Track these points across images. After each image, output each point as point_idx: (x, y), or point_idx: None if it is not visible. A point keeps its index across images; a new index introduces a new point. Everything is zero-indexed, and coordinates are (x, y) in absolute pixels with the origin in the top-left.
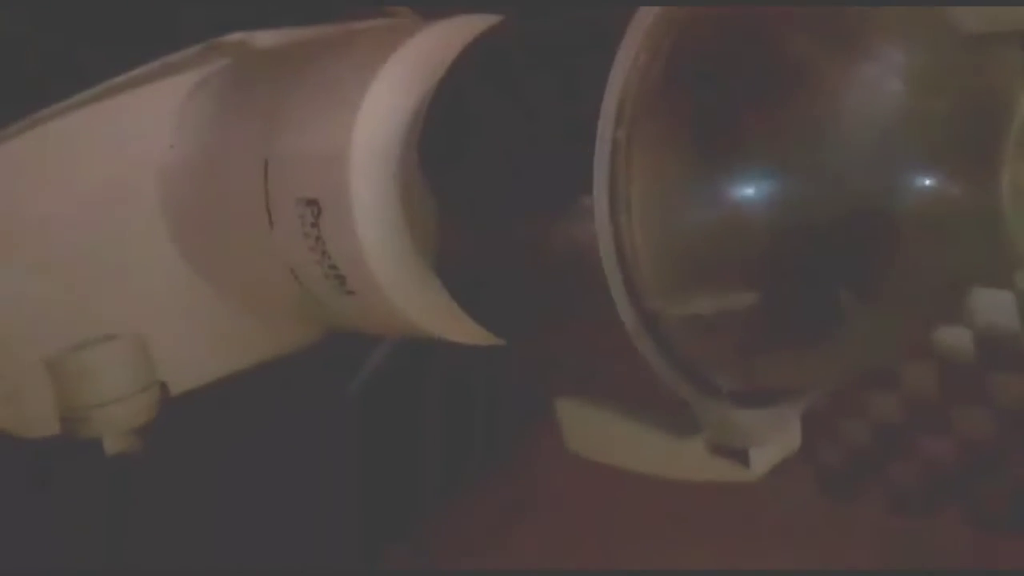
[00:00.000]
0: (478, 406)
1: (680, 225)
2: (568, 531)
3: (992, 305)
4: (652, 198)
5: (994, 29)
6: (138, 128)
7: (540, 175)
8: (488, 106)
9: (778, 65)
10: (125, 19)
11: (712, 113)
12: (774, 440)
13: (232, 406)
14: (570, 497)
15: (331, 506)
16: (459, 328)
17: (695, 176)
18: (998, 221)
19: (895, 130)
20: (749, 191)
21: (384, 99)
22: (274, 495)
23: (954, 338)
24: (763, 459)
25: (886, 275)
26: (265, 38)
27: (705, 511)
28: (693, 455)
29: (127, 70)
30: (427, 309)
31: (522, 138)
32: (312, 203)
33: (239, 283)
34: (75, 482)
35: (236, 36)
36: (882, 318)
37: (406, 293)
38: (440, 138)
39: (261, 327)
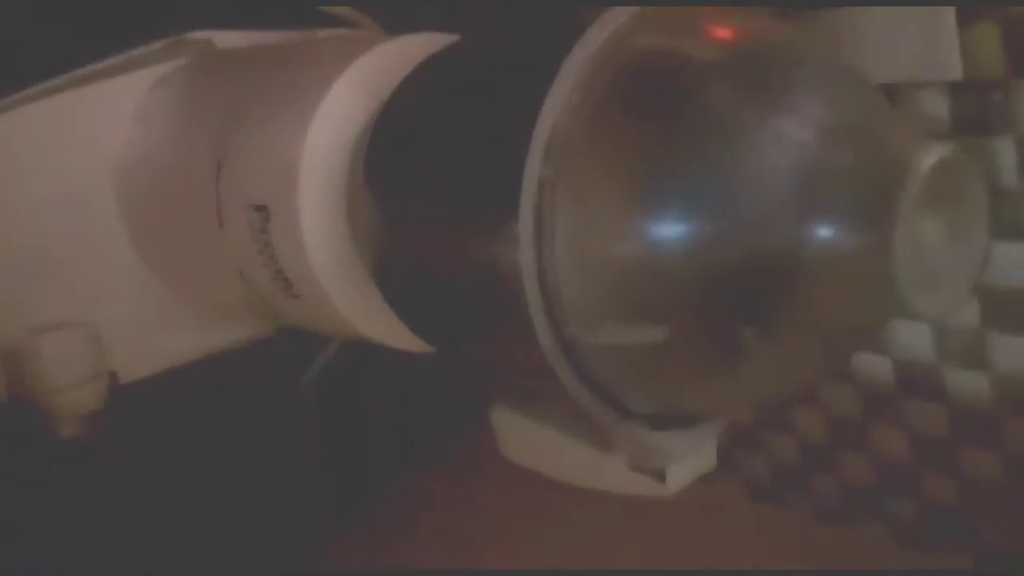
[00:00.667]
0: (426, 398)
1: (600, 259)
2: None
3: (911, 336)
4: (575, 232)
5: (907, 79)
6: (97, 122)
7: (473, 201)
8: (429, 129)
9: (699, 114)
10: (90, 11)
11: (634, 157)
12: (689, 459)
13: (184, 397)
14: (514, 491)
15: (282, 495)
16: (397, 336)
17: (616, 215)
18: (890, 275)
19: (802, 181)
20: (665, 232)
21: (336, 112)
22: (227, 483)
23: (875, 365)
24: (679, 477)
25: (787, 317)
26: (229, 39)
27: (636, 513)
28: (614, 470)
29: (89, 62)
30: (368, 316)
31: (458, 163)
32: (261, 209)
33: (190, 279)
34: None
35: (201, 34)
36: (784, 356)
37: (348, 299)
38: (384, 155)
39: (211, 320)
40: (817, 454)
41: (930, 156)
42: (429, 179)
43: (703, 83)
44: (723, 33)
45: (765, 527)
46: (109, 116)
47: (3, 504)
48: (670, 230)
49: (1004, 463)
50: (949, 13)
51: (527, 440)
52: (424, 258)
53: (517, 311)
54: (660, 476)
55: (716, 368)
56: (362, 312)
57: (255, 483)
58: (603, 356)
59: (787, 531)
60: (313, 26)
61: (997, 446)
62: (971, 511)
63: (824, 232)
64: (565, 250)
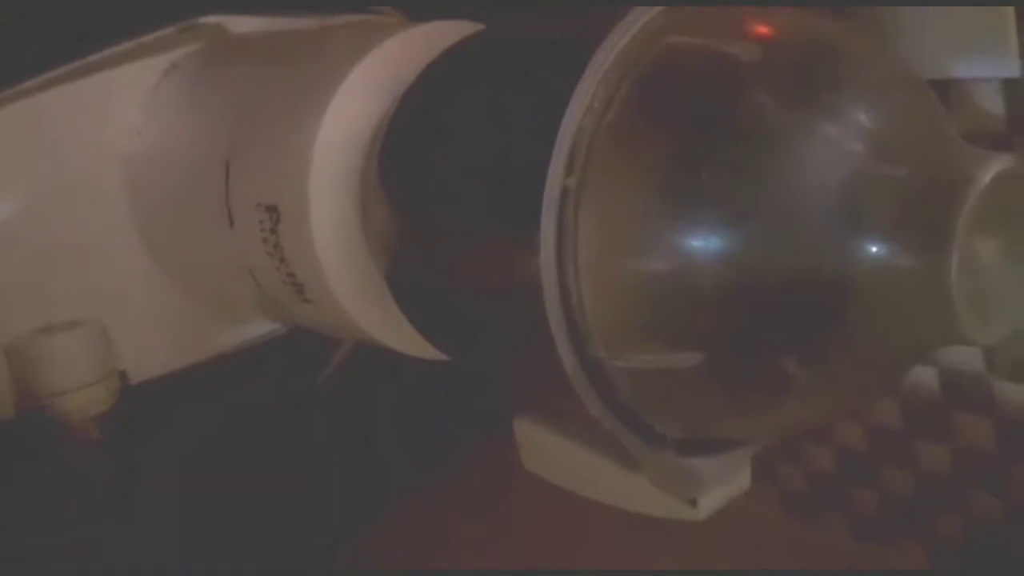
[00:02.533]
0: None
1: (627, 276)
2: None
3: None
4: (599, 246)
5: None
6: (107, 111)
7: (491, 209)
8: (446, 129)
9: (735, 119)
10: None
11: (666, 167)
12: (721, 484)
13: (197, 396)
14: (531, 497)
15: (291, 496)
16: (411, 343)
17: (644, 228)
18: (945, 298)
19: (849, 194)
20: (698, 247)
21: (348, 108)
22: (233, 484)
23: (919, 375)
24: (710, 502)
25: (830, 345)
26: (242, 24)
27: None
28: (643, 489)
29: (97, 50)
30: (381, 322)
31: (477, 167)
32: (272, 209)
33: (200, 278)
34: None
35: (213, 19)
36: (827, 384)
37: (360, 305)
38: (399, 154)
39: (222, 319)
40: (856, 466)
41: (990, 169)
42: (445, 182)
43: (740, 85)
44: (763, 31)
45: (797, 543)
46: (118, 106)
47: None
48: (702, 245)
49: None
50: (1008, 8)
51: (549, 453)
52: (439, 265)
53: (538, 327)
54: (691, 501)
55: (751, 397)
56: (375, 318)
57: (263, 484)
58: (630, 379)
59: (820, 549)
60: (329, 10)
61: None
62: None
63: (873, 251)
64: (589, 265)
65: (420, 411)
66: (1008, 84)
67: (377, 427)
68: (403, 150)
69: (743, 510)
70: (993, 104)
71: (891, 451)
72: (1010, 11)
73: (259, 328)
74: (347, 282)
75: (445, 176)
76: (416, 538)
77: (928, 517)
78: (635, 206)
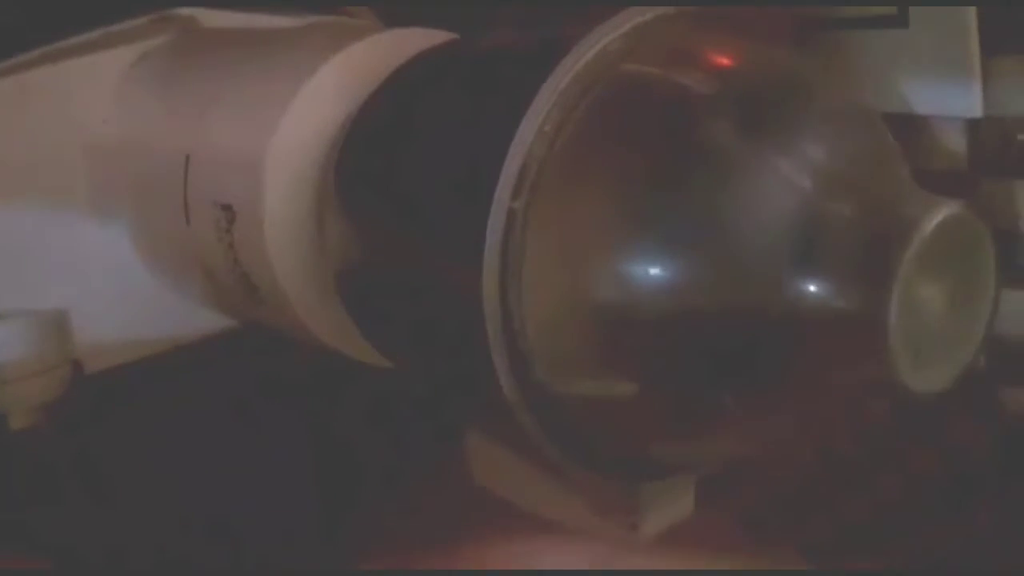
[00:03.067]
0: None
1: (570, 301)
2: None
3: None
4: (543, 271)
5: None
6: (72, 99)
7: (440, 227)
8: (402, 140)
9: (686, 149)
10: None
11: (614, 194)
12: (664, 509)
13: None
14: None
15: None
16: (364, 351)
17: (590, 254)
18: (883, 342)
19: (794, 229)
20: (642, 277)
21: (308, 111)
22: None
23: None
24: (651, 526)
25: (769, 379)
26: (215, 18)
27: None
28: (586, 511)
29: (67, 36)
30: (334, 330)
31: (430, 183)
32: (227, 208)
33: (160, 269)
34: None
35: (186, 11)
36: (764, 418)
37: (313, 311)
38: (356, 162)
39: (182, 309)
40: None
41: (936, 215)
42: (398, 194)
43: (692, 117)
44: (721, 62)
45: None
46: (85, 94)
47: None
48: (646, 274)
49: None
50: (973, 42)
51: (498, 468)
52: (390, 277)
53: (482, 346)
54: (631, 525)
55: (691, 427)
56: (328, 324)
57: (231, 477)
58: (571, 404)
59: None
60: (304, 8)
61: None
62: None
63: (814, 289)
64: (532, 289)
65: (397, 403)
66: (972, 123)
67: (351, 417)
68: (360, 160)
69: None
70: (956, 142)
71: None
72: (975, 49)
73: (222, 320)
74: (300, 287)
75: (399, 189)
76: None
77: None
78: (581, 232)
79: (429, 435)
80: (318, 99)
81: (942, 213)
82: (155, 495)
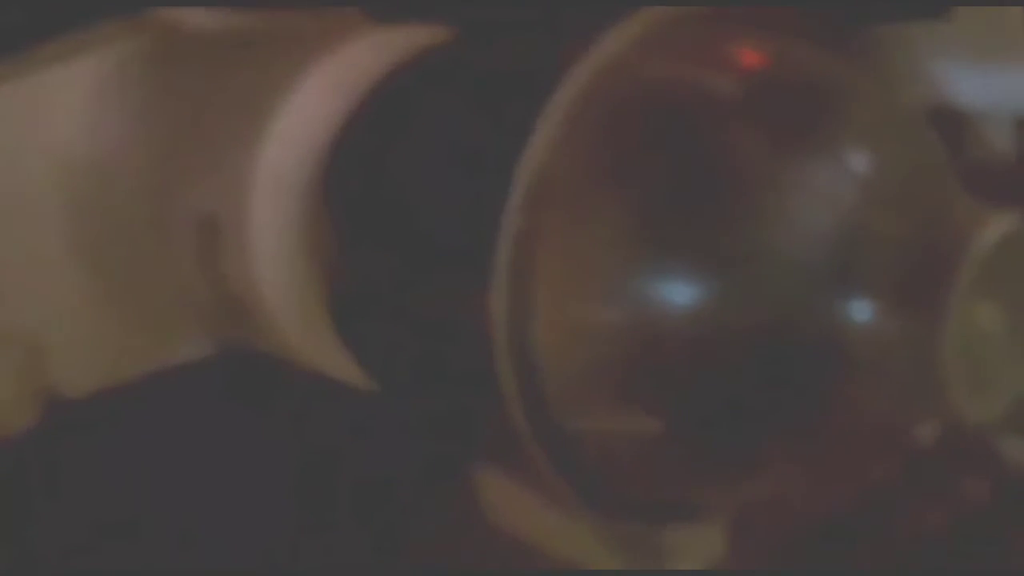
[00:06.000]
0: None
1: (587, 330)
2: None
3: None
4: (557, 293)
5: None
6: (44, 114)
7: (440, 248)
8: (396, 151)
9: (710, 161)
10: None
11: (635, 211)
12: (693, 552)
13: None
14: None
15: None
16: (355, 375)
17: (608, 277)
18: (938, 369)
19: (835, 247)
20: (663, 301)
21: (296, 121)
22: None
23: None
24: (679, 568)
25: (810, 412)
26: (195, 18)
27: None
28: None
29: (37, 44)
30: (325, 353)
31: (427, 199)
32: (210, 223)
33: (138, 291)
34: None
35: (166, 13)
36: (804, 456)
37: (302, 334)
38: (346, 176)
39: (160, 335)
40: None
41: (994, 230)
42: (393, 212)
43: (716, 124)
44: (748, 62)
45: None
46: (58, 107)
47: None
48: (669, 299)
49: None
50: (1019, 31)
51: (515, 507)
52: (384, 297)
53: (490, 381)
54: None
55: (719, 467)
56: (318, 347)
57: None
58: (588, 440)
59: None
60: (292, 8)
61: None
62: None
63: (860, 313)
64: (546, 317)
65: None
66: (1020, 120)
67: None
68: (352, 171)
69: None
70: (1006, 141)
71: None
72: (1020, 41)
73: (202, 345)
74: (287, 308)
75: (392, 206)
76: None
77: None
78: (600, 253)
79: (427, 464)
80: (307, 107)
81: (998, 229)
82: (133, 515)
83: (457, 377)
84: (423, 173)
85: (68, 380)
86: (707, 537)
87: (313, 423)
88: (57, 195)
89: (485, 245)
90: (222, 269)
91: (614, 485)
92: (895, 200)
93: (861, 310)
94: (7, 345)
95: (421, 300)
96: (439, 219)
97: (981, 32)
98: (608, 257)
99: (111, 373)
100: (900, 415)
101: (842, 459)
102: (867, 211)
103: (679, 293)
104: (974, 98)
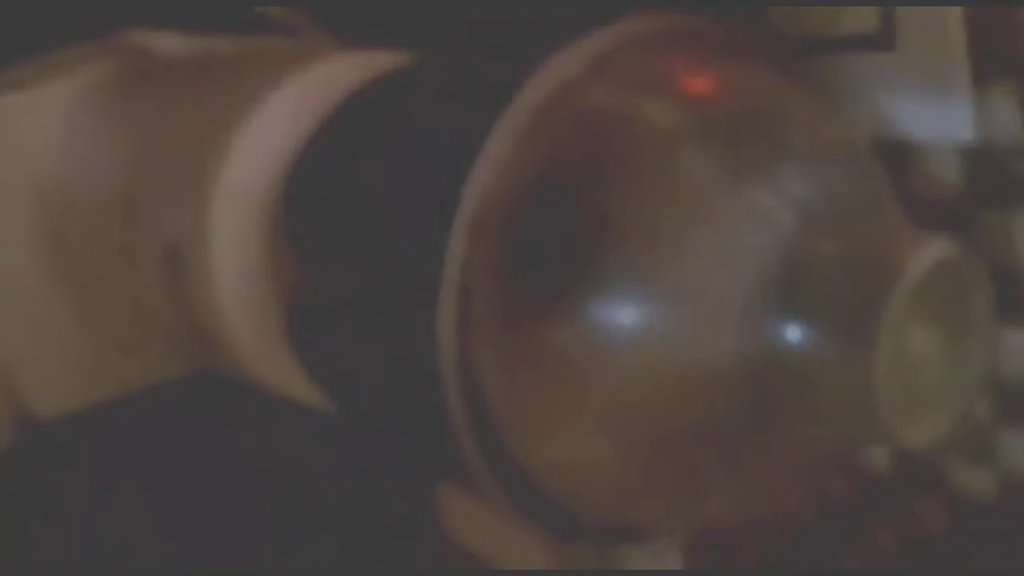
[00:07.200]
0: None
1: (534, 357)
2: None
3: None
4: (504, 323)
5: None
6: (15, 137)
7: (390, 277)
8: (350, 179)
9: (653, 184)
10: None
11: (578, 234)
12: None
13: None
14: None
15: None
16: (318, 399)
17: (548, 303)
18: (871, 395)
19: (773, 271)
20: (606, 325)
21: (256, 148)
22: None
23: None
24: None
25: (748, 436)
26: (167, 44)
27: None
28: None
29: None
30: (286, 380)
31: (378, 227)
32: (173, 249)
33: (107, 314)
34: None
35: (137, 37)
36: (744, 479)
37: (264, 360)
38: (308, 198)
39: (131, 357)
40: None
41: (927, 254)
42: (347, 239)
43: (660, 149)
44: (695, 88)
45: None
46: (28, 130)
47: None
48: (609, 324)
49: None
50: (961, 61)
51: (478, 526)
52: (342, 322)
53: (441, 409)
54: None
55: (667, 489)
56: (279, 374)
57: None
58: (544, 469)
59: None
60: (257, 32)
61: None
62: None
63: (795, 337)
64: (492, 344)
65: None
66: (965, 150)
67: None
68: (311, 195)
69: None
70: (949, 170)
71: None
72: (964, 71)
73: (173, 366)
74: (249, 335)
75: (346, 233)
76: None
77: None
78: (543, 278)
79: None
80: (268, 134)
81: (932, 254)
82: (105, 534)
83: (415, 398)
84: (373, 200)
85: (41, 402)
86: (661, 557)
87: (283, 442)
88: (29, 218)
89: (431, 279)
90: (187, 297)
91: (568, 505)
92: (833, 226)
93: (794, 335)
94: None
95: (382, 321)
96: (401, 239)
97: (925, 61)
98: (549, 284)
99: (84, 394)
100: (841, 440)
101: (789, 482)
102: (805, 237)
103: (619, 320)
104: (918, 128)
